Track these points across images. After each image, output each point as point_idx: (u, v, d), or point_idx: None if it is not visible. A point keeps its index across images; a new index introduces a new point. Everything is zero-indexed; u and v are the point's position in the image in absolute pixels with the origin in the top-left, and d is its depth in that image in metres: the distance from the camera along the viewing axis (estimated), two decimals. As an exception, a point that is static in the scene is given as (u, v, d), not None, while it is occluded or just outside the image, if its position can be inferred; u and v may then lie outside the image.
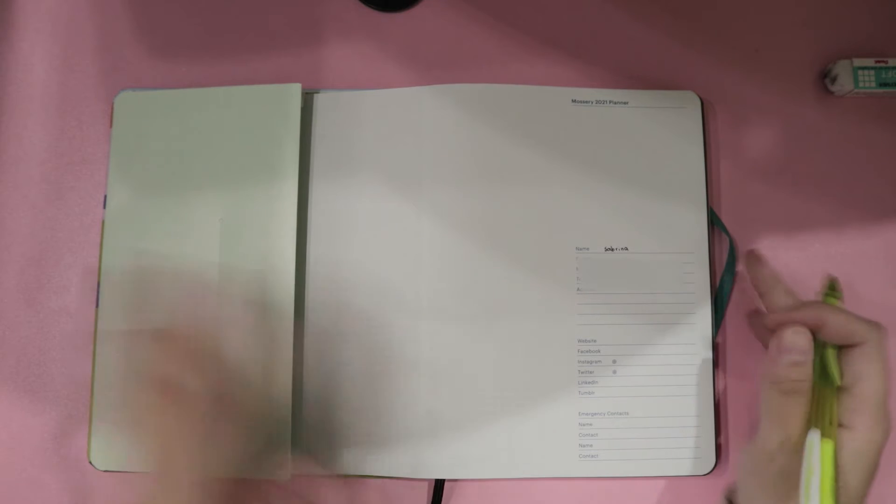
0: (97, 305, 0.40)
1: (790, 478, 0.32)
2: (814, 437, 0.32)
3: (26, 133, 0.42)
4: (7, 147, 0.42)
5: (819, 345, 0.34)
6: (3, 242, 0.42)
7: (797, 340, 0.34)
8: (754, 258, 0.40)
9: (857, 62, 0.43)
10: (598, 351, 0.40)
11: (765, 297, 0.38)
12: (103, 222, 0.41)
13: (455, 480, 0.40)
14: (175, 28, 0.44)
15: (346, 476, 0.40)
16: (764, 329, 0.38)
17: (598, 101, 0.42)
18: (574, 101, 0.42)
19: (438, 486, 0.39)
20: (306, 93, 0.42)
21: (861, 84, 0.42)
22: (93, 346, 0.40)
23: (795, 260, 0.43)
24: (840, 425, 0.33)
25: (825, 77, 0.44)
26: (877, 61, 0.43)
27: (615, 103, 0.42)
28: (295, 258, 0.39)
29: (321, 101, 0.42)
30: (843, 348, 0.34)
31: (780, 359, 0.34)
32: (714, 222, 0.42)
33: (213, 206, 0.40)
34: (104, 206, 0.41)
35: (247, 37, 0.44)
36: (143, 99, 0.42)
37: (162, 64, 0.43)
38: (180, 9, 0.44)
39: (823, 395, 0.34)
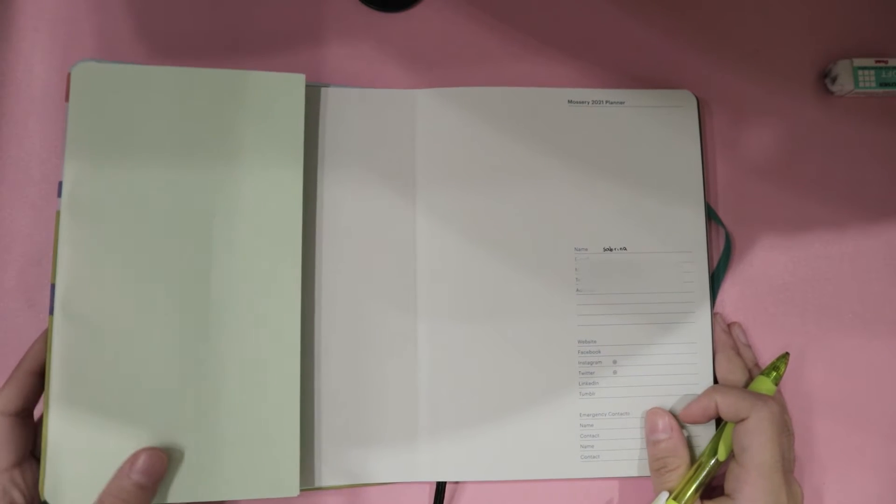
0: (51, 313, 0.36)
1: None
2: (661, 496, 0.36)
3: (26, 133, 0.42)
4: (7, 147, 0.42)
5: (723, 422, 0.38)
6: (3, 242, 0.42)
7: (653, 421, 0.39)
8: (716, 319, 0.41)
9: (857, 62, 0.43)
10: (599, 351, 0.40)
11: (715, 355, 0.40)
12: (58, 213, 0.36)
13: (456, 482, 0.40)
14: (175, 28, 0.43)
15: (353, 486, 0.39)
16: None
17: (594, 102, 0.42)
18: (570, 101, 0.42)
19: (440, 488, 0.39)
20: (311, 86, 0.41)
21: (861, 84, 0.42)
22: (47, 367, 0.36)
23: (796, 260, 0.43)
24: (727, 495, 0.36)
25: (825, 77, 0.44)
26: (877, 61, 0.43)
27: (612, 103, 0.42)
28: (301, 260, 0.38)
29: (328, 95, 0.41)
30: (738, 423, 0.36)
31: (647, 438, 0.39)
32: (710, 216, 0.42)
33: (204, 200, 0.37)
34: (58, 195, 0.37)
35: (246, 37, 0.44)
36: (108, 72, 0.36)
37: (161, 64, 0.43)
38: (180, 9, 0.44)
39: (709, 468, 0.37)
